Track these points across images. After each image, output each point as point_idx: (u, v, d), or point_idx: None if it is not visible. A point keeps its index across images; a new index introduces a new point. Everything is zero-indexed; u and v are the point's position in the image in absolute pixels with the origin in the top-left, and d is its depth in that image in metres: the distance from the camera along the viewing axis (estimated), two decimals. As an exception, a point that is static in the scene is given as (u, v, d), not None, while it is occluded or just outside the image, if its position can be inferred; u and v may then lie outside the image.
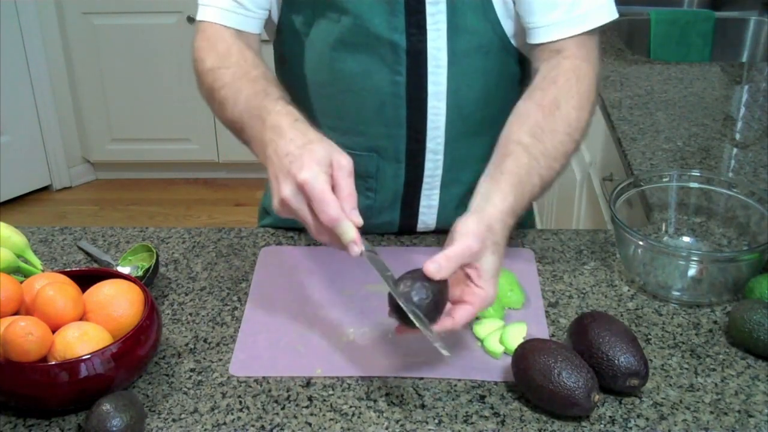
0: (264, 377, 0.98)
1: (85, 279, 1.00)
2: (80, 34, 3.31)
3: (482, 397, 0.94)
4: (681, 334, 1.04)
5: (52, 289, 0.94)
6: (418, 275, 0.89)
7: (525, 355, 0.92)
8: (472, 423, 0.90)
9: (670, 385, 0.96)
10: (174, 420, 0.92)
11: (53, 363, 0.89)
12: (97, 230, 1.28)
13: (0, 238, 1.09)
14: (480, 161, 1.26)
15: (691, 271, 1.08)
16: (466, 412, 0.92)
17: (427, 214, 1.25)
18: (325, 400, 0.94)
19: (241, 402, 0.94)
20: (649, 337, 1.04)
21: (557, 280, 1.15)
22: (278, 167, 0.90)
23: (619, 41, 2.13)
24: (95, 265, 1.20)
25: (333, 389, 0.96)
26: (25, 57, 3.27)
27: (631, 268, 1.13)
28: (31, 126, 3.38)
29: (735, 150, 1.57)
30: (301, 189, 0.87)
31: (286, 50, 1.19)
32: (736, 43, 2.34)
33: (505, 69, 1.17)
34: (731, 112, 1.73)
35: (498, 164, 1.01)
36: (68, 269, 1.13)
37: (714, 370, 0.98)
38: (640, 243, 1.09)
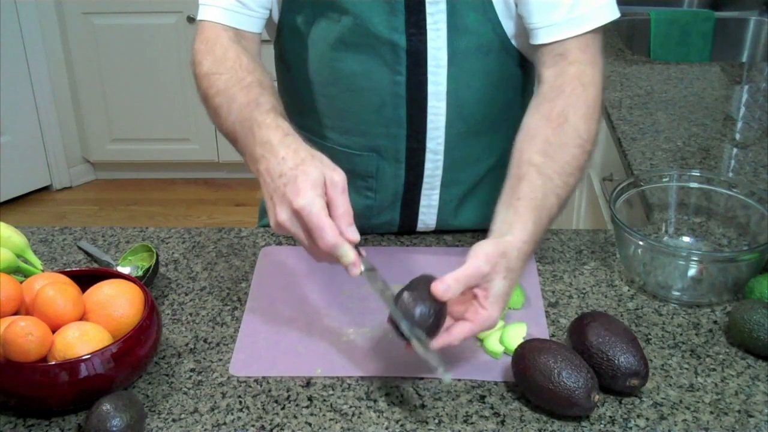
0: (264, 377, 0.98)
1: (85, 279, 1.00)
2: (80, 34, 3.31)
3: (482, 397, 0.94)
4: (681, 334, 1.04)
5: (52, 289, 0.94)
6: (420, 290, 0.89)
7: (525, 355, 0.92)
8: (472, 423, 0.90)
9: (670, 385, 0.96)
10: (174, 420, 0.92)
11: (53, 363, 0.89)
12: (97, 230, 1.28)
13: (0, 238, 1.09)
14: (480, 161, 1.26)
15: (691, 271, 1.08)
16: (466, 412, 0.92)
17: (427, 214, 1.25)
18: (325, 400, 0.94)
19: (241, 402, 0.94)
20: (649, 337, 1.04)
21: (557, 280, 1.15)
22: (273, 189, 0.90)
23: (619, 41, 2.13)
24: (95, 265, 1.20)
25: (333, 389, 0.96)
26: (25, 57, 3.27)
27: (631, 268, 1.13)
28: (31, 126, 3.38)
29: (735, 150, 1.57)
30: (297, 216, 0.88)
31: (286, 50, 1.19)
32: (736, 43, 2.34)
33: (506, 69, 1.17)
34: (731, 112, 1.73)
35: (513, 188, 1.00)
36: (68, 269, 1.13)
37: (714, 370, 0.98)
38: (640, 243, 1.09)
